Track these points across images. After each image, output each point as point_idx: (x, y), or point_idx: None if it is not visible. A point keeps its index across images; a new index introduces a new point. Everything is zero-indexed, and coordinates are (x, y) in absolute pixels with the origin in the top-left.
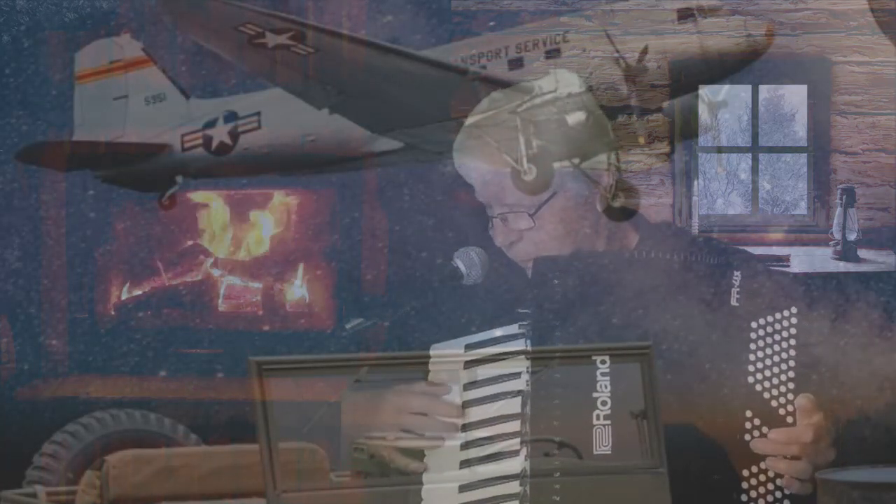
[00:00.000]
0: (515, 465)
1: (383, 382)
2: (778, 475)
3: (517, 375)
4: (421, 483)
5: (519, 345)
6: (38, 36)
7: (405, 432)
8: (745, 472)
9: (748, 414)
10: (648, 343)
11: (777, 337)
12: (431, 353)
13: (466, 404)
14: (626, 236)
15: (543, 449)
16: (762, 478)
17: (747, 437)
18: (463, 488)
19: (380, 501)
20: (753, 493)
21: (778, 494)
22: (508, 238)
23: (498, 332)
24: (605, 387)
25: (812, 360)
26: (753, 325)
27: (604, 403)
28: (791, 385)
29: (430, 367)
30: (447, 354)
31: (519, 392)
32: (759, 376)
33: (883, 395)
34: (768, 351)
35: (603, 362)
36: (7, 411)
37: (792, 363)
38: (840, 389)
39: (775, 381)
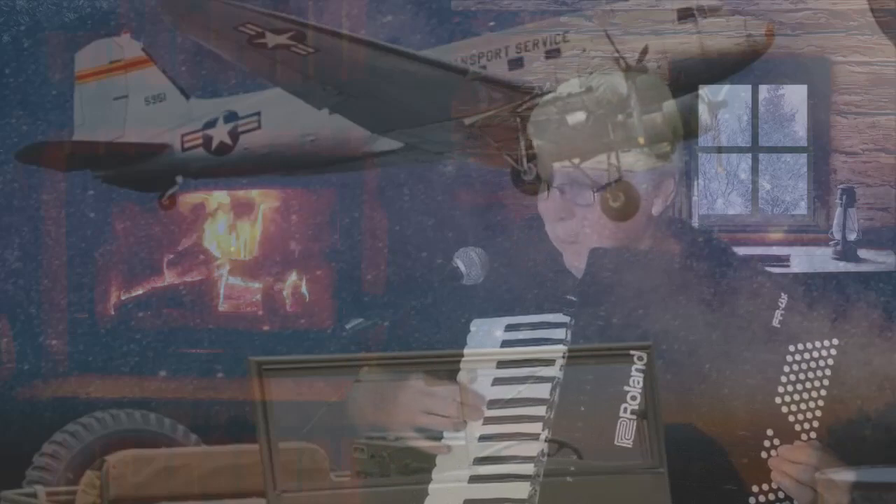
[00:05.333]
0: (532, 451)
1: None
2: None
3: (551, 362)
4: (424, 482)
5: (559, 333)
6: (38, 36)
7: (417, 431)
8: None
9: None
10: (649, 343)
11: None
12: (472, 328)
13: (497, 382)
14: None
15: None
16: None
17: None
18: (473, 479)
19: (380, 501)
20: None
21: None
22: (559, 213)
23: (539, 319)
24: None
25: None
26: None
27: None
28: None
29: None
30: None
31: (550, 379)
32: None
33: (883, 395)
34: None
35: (640, 359)
36: (7, 411)
37: None
38: (840, 389)
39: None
